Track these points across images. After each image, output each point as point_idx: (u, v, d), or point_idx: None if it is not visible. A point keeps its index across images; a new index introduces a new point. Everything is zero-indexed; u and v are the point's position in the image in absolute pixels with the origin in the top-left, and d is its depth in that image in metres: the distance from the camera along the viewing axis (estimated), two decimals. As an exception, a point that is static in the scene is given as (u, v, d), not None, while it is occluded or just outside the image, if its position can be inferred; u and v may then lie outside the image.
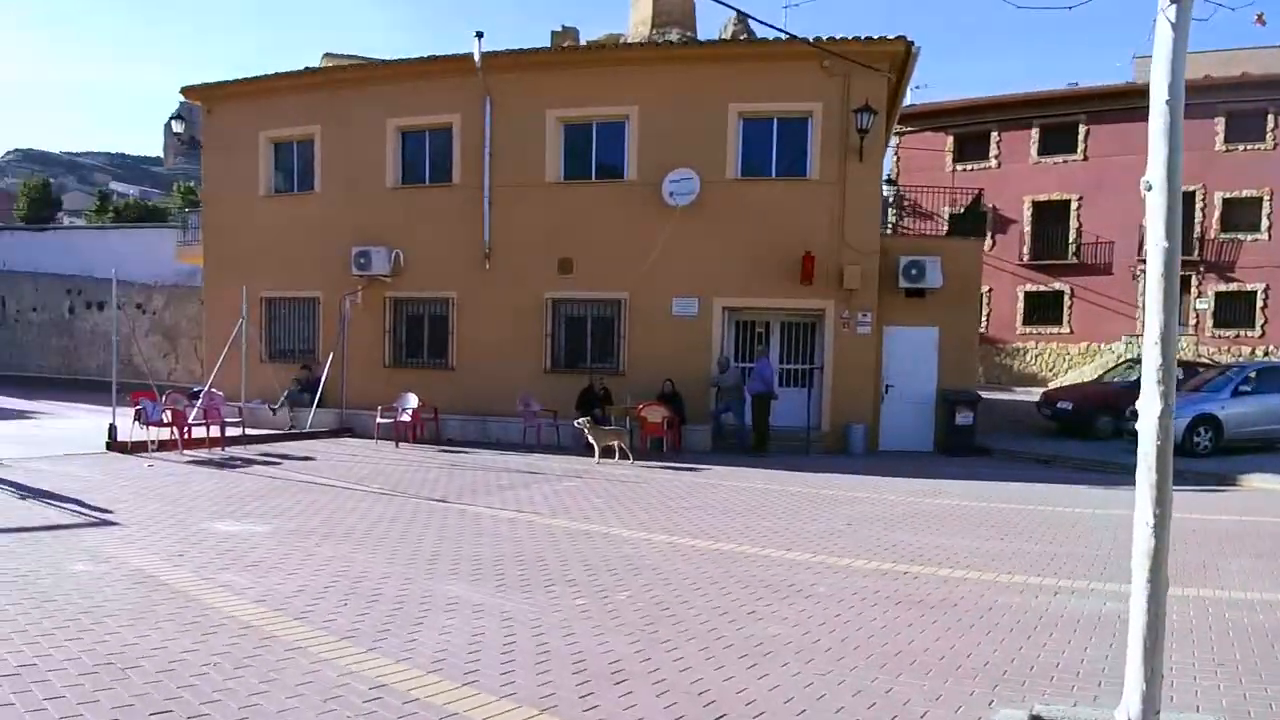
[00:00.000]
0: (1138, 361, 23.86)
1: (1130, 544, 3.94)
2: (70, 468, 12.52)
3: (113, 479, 11.66)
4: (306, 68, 20.44)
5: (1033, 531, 9.88)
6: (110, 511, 9.30)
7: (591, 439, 15.52)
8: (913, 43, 17.47)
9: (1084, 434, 20.16)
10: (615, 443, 15.53)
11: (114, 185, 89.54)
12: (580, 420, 15.82)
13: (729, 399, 17.71)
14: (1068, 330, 32.25)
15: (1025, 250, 32.25)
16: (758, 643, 5.63)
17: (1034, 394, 27.74)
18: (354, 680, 4.77)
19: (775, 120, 18.23)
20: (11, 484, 10.74)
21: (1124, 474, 15.79)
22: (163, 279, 29.79)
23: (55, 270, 32.24)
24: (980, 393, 19.02)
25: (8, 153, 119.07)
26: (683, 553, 8.27)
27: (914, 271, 17.71)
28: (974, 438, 18.05)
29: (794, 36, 15.80)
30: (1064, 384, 26.98)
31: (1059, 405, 21.26)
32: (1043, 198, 32.14)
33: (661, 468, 14.82)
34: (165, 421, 14.85)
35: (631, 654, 5.37)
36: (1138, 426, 4.05)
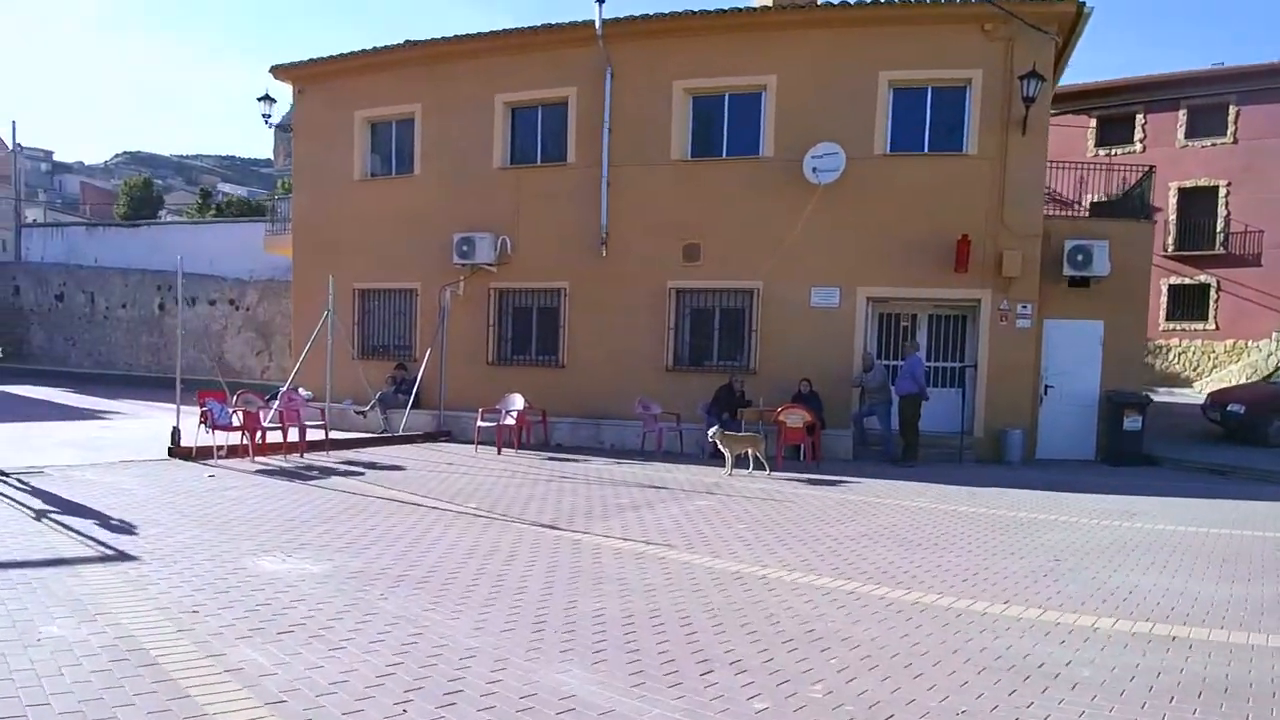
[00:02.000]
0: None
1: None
2: (119, 477, 10.99)
3: (161, 493, 10.08)
4: (407, 41, 19.07)
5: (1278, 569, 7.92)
6: (135, 535, 7.67)
7: (724, 448, 13.72)
8: (1084, 2, 15.37)
9: (1255, 440, 17.78)
10: (749, 450, 13.71)
11: (222, 186, 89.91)
12: (713, 431, 14.03)
13: (874, 401, 15.80)
14: (1213, 326, 29.54)
15: (1169, 240, 29.60)
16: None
17: (1178, 395, 25.49)
18: None
19: (929, 90, 16.26)
20: (43, 495, 9.31)
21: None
22: (257, 273, 28.85)
23: (147, 266, 31.49)
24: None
25: (116, 155, 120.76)
26: (871, 608, 6.29)
27: (1080, 257, 15.67)
28: (1142, 445, 15.97)
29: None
30: (1224, 385, 24.33)
31: (1229, 408, 18.82)
32: (1189, 184, 29.47)
33: (804, 481, 12.95)
34: (234, 425, 13.38)
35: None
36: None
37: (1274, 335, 26.85)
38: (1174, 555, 8.38)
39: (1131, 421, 15.81)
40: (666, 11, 17.04)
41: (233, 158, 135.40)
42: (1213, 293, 29.58)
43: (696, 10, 16.78)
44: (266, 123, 22.43)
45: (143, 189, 59.90)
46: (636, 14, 17.31)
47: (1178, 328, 30.17)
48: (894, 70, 16.18)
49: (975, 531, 9.46)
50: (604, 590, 6.57)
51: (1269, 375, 22.23)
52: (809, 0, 17.00)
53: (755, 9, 16.75)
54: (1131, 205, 19.30)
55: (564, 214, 17.80)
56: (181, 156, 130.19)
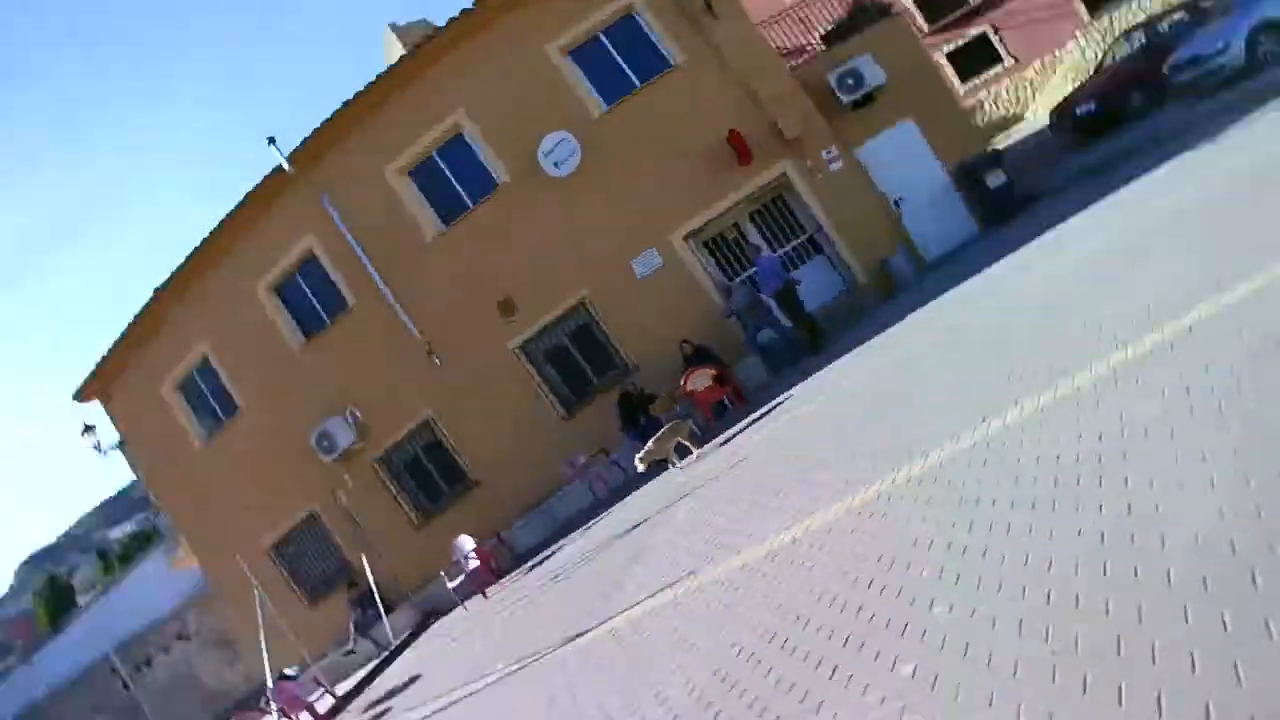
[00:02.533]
0: (1136, 28, 20.38)
1: None
2: None
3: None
4: (155, 289, 17.87)
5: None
6: None
7: (660, 457, 12.42)
8: None
9: (1122, 119, 16.71)
10: (680, 440, 12.47)
11: (112, 534, 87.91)
12: (638, 459, 12.59)
13: (755, 318, 15.27)
14: (1011, 62, 29.28)
15: (921, 22, 29.12)
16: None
17: (1016, 133, 25.12)
18: None
19: (601, 35, 16.04)
20: None
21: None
22: (187, 593, 27.59)
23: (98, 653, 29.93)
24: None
25: (17, 567, 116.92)
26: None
27: (850, 81, 15.73)
28: (1015, 194, 15.56)
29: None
30: (1059, 98, 23.56)
31: (1080, 111, 18.15)
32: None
33: (750, 427, 11.98)
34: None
35: None
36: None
37: (1076, 33, 26.56)
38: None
39: (996, 179, 15.51)
40: (331, 113, 16.27)
41: (105, 500, 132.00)
42: (993, 36, 29.34)
43: (355, 95, 16.05)
44: (100, 451, 20.58)
45: (51, 591, 57.24)
46: (308, 130, 16.53)
47: (978, 82, 29.87)
48: (556, 38, 15.91)
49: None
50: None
51: (1099, 64, 21.45)
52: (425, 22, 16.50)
53: (402, 56, 16.23)
54: (869, 12, 19.09)
55: (381, 354, 16.81)
56: (70, 530, 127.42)
